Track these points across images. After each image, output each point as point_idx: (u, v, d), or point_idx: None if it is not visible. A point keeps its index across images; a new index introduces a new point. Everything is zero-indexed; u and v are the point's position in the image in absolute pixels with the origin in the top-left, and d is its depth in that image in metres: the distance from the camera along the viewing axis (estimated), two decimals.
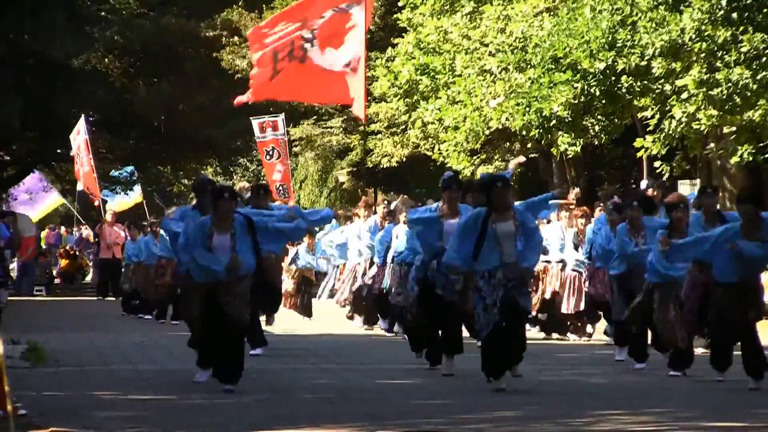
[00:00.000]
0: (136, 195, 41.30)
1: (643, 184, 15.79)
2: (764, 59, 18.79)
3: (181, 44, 37.64)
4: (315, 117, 34.37)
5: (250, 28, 34.41)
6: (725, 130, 20.81)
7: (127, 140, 40.60)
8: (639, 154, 21.76)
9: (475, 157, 26.58)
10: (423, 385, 12.24)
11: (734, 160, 20.28)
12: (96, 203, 34.20)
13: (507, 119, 22.78)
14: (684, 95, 19.50)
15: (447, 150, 25.52)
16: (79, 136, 32.07)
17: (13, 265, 30.77)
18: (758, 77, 18.75)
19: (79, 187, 33.34)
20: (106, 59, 38.55)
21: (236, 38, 35.36)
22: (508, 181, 11.76)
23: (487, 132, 24.52)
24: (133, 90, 38.49)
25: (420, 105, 25.56)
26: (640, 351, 13.77)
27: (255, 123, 29.01)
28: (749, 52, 18.74)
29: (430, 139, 27.14)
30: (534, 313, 17.74)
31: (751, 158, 20.01)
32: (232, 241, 11.39)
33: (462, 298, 12.58)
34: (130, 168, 41.03)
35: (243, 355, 11.49)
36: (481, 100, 23.78)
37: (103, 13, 37.27)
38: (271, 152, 28.85)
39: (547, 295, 18.06)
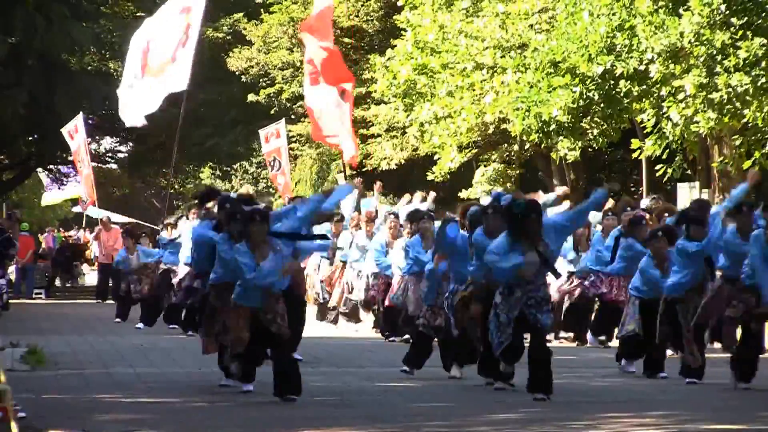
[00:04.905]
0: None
1: (644, 203, 15.52)
2: (763, 64, 18.77)
3: None
4: None
5: (253, 34, 34.53)
6: (731, 136, 20.72)
7: (126, 143, 40.61)
8: (634, 155, 21.75)
9: (466, 150, 26.50)
10: (424, 388, 12.23)
11: (746, 165, 20.12)
12: (86, 208, 34.19)
13: (501, 112, 22.75)
14: (681, 96, 19.47)
15: (441, 144, 25.47)
16: (78, 135, 31.91)
17: (12, 268, 30.71)
18: (758, 83, 18.70)
19: (81, 189, 33.15)
20: (107, 61, 38.53)
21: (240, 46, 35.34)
22: (541, 209, 11.32)
23: (479, 122, 24.47)
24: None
25: (417, 105, 25.53)
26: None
27: (262, 134, 28.87)
28: (748, 59, 18.72)
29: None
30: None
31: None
32: (280, 259, 11.06)
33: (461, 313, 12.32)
34: None
35: (297, 364, 11.19)
36: (478, 95, 23.75)
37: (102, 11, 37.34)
38: (272, 162, 28.75)
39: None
